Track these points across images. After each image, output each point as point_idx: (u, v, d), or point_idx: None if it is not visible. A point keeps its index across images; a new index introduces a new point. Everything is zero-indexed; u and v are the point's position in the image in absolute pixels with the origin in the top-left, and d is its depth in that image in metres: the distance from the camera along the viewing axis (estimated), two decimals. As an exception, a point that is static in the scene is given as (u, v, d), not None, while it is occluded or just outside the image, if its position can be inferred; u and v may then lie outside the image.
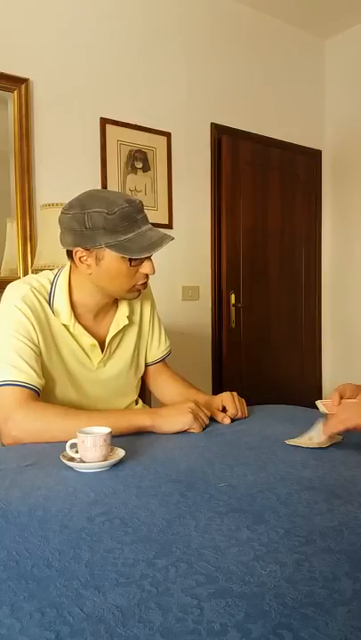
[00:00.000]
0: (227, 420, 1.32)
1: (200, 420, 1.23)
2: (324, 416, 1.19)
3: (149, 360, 1.52)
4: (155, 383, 1.55)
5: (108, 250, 1.20)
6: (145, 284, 1.31)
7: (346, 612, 0.53)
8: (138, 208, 1.21)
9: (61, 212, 1.23)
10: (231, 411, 1.35)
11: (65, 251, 1.28)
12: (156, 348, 1.51)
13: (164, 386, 1.54)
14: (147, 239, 1.21)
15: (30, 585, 0.59)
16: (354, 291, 3.73)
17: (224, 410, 1.36)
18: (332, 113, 3.84)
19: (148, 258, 1.25)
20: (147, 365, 1.53)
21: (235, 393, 1.40)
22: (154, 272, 1.27)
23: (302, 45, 3.73)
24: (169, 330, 1.62)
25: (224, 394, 1.40)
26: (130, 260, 1.22)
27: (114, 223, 1.17)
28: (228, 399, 1.37)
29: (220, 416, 1.33)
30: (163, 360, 1.54)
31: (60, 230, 1.25)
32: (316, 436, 1.16)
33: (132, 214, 1.19)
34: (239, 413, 1.36)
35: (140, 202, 1.23)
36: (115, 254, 1.20)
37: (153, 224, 1.29)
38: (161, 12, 3.04)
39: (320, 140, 3.87)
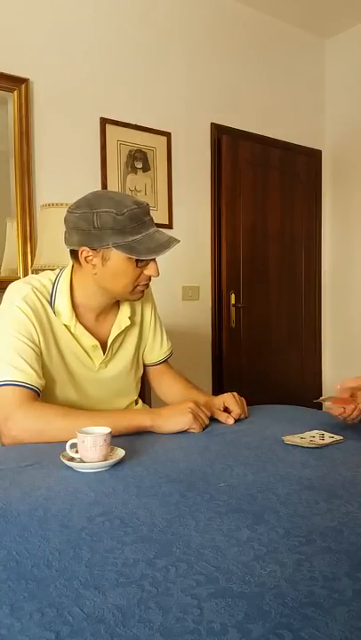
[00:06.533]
0: (230, 421, 1.31)
1: (200, 420, 1.23)
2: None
3: (152, 360, 1.52)
4: (158, 383, 1.56)
5: (115, 250, 1.20)
6: (147, 285, 1.31)
7: (346, 612, 0.53)
8: (145, 210, 1.22)
9: (68, 212, 1.23)
10: (236, 411, 1.34)
11: (68, 250, 1.28)
12: (159, 349, 1.52)
13: (167, 385, 1.54)
14: (154, 241, 1.22)
15: (30, 585, 0.59)
16: (354, 291, 3.73)
17: (226, 410, 1.36)
18: (332, 113, 3.84)
19: (154, 260, 1.26)
20: (149, 366, 1.53)
21: (235, 393, 1.40)
22: (158, 274, 1.27)
23: (302, 45, 3.73)
24: (169, 330, 1.62)
25: (225, 394, 1.40)
26: (136, 261, 1.22)
27: (123, 224, 1.18)
28: (230, 400, 1.37)
29: (223, 416, 1.33)
30: (166, 361, 1.55)
31: (65, 229, 1.25)
32: (316, 437, 1.16)
33: (140, 216, 1.20)
34: (243, 414, 1.36)
35: (147, 204, 1.24)
36: (122, 255, 1.20)
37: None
38: (161, 11, 3.04)
39: (320, 140, 3.87)
